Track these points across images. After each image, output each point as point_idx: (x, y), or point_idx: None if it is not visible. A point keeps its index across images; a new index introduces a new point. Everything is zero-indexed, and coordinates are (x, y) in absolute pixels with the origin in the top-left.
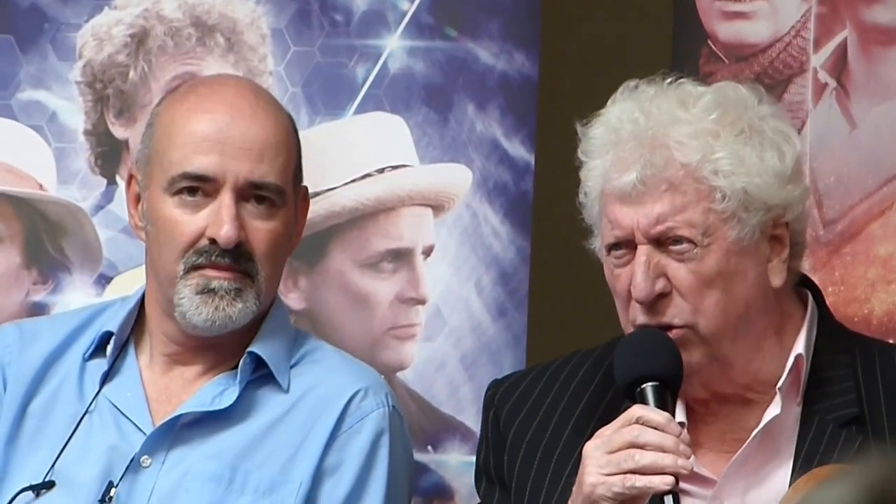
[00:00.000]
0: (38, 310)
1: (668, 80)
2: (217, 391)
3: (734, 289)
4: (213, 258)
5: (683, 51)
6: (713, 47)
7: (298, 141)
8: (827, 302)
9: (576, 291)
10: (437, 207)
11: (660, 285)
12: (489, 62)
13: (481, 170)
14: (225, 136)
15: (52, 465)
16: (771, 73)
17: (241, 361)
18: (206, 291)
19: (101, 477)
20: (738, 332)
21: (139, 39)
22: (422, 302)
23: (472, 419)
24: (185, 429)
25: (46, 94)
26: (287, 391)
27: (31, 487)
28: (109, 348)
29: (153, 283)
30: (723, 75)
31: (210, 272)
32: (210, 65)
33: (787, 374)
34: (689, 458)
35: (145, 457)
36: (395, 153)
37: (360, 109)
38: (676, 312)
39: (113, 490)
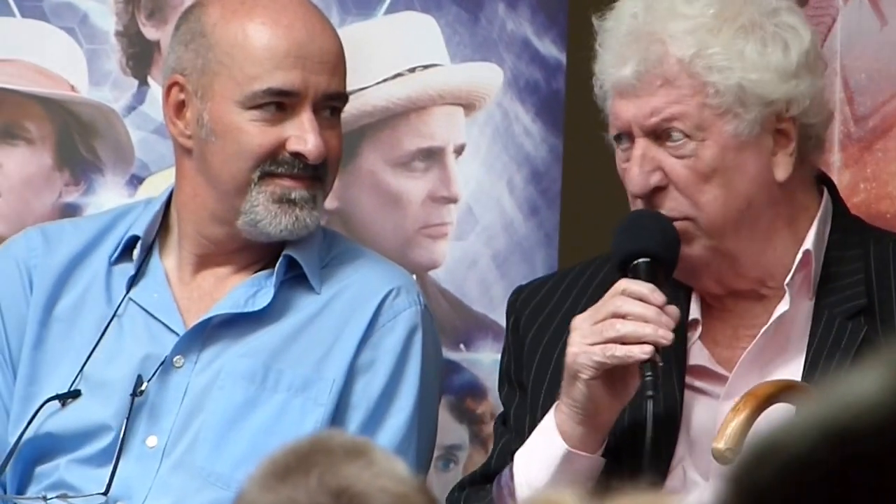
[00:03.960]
0: (70, 211)
1: None
2: (250, 292)
3: (734, 184)
4: (296, 170)
5: None
6: None
7: None
8: (859, 199)
9: (607, 189)
10: (469, 106)
11: (655, 178)
12: None
13: (512, 69)
14: (306, 51)
15: (81, 371)
16: None
17: (278, 264)
18: (286, 201)
19: (132, 377)
20: (741, 226)
21: None
22: (453, 200)
23: (503, 318)
24: (217, 329)
25: None
26: (319, 292)
27: (57, 397)
28: (136, 252)
29: (202, 191)
30: None
31: (287, 182)
32: None
33: (795, 270)
34: (671, 328)
35: (178, 357)
36: (426, 53)
37: (391, 9)
38: (674, 206)
39: (144, 385)
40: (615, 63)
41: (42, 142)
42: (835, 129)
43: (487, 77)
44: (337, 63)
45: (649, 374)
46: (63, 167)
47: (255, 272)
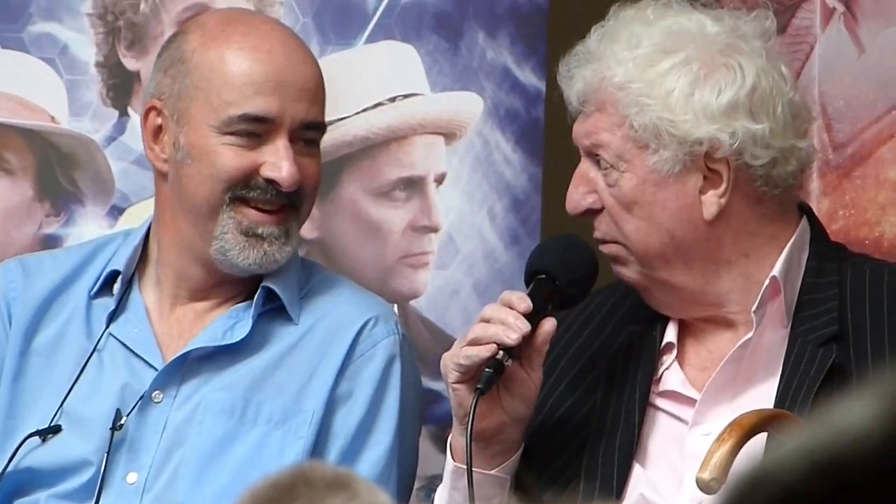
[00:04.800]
0: (51, 242)
1: (660, 1)
2: (228, 325)
3: (655, 218)
4: (269, 196)
5: None
6: None
7: None
8: (837, 226)
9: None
10: (449, 135)
11: (589, 200)
12: None
13: (492, 98)
14: (284, 78)
15: (61, 406)
16: None
17: (256, 296)
18: (252, 235)
19: (112, 413)
20: (669, 259)
21: None
22: (434, 230)
23: None
24: (195, 362)
25: (58, 26)
26: (297, 323)
27: (37, 433)
28: (116, 287)
29: (179, 216)
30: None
31: (255, 215)
32: None
33: (763, 298)
34: (522, 332)
35: (157, 392)
36: (407, 82)
37: (371, 39)
38: (606, 230)
39: (123, 419)
40: (568, 81)
41: (22, 172)
42: None
43: (467, 106)
44: (316, 92)
45: (486, 369)
46: (43, 198)
47: (235, 305)
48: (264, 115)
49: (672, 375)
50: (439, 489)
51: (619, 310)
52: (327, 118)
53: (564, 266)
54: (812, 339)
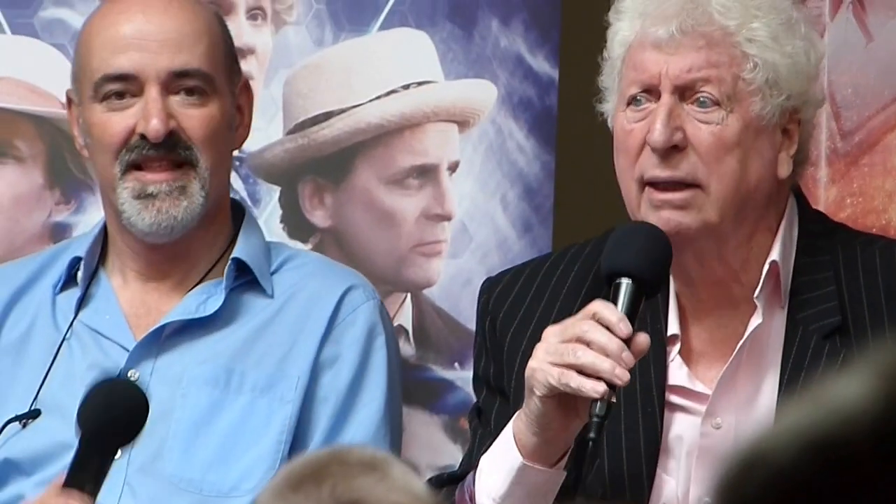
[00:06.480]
0: (60, 230)
1: None
2: (201, 299)
3: (749, 163)
4: (146, 151)
5: None
6: None
7: (226, 32)
8: (845, 213)
9: (600, 206)
10: (462, 123)
11: (677, 137)
12: None
13: (506, 85)
14: (140, 33)
15: (36, 395)
16: None
17: (227, 268)
18: (145, 196)
19: None
20: (742, 208)
21: None
22: (447, 218)
23: None
24: (170, 339)
25: (69, 11)
26: (272, 296)
27: (17, 418)
28: (80, 274)
29: (104, 198)
30: None
31: (147, 175)
32: None
33: (763, 282)
34: (629, 367)
35: (132, 370)
36: (420, 69)
37: (385, 26)
38: (689, 169)
39: None
40: (655, 19)
41: (33, 160)
42: (821, 144)
43: (481, 94)
44: (180, 39)
45: (596, 416)
46: (54, 186)
47: (202, 282)
48: (122, 72)
49: (676, 368)
50: (489, 474)
51: (580, 283)
52: (341, 105)
53: (653, 266)
54: (814, 329)
